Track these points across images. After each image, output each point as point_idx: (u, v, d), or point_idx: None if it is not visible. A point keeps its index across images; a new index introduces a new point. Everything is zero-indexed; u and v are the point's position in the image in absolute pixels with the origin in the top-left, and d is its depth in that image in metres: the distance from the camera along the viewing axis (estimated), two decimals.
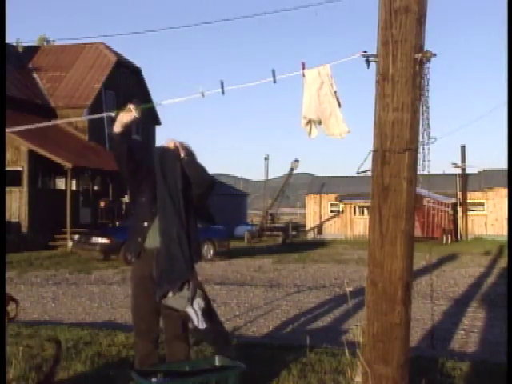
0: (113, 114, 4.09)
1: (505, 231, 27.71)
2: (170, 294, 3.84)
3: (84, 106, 26.82)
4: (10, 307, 3.81)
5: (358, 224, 31.60)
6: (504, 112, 4.27)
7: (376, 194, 3.27)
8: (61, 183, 24.38)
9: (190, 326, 3.88)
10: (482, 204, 31.60)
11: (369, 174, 3.40)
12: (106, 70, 28.53)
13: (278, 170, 52.05)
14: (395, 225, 3.21)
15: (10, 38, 28.22)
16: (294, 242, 28.55)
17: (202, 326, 3.82)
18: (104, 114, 4.32)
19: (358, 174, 3.48)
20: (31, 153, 21.75)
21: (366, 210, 30.49)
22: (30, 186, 21.99)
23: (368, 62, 3.35)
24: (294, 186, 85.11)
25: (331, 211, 33.71)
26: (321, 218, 33.81)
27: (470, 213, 31.34)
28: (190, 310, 3.82)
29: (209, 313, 3.89)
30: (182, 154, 3.92)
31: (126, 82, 30.02)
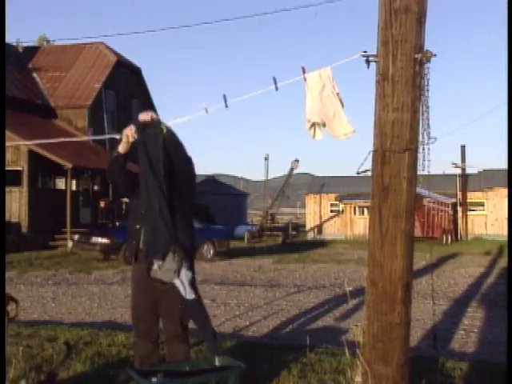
0: (118, 137, 4.11)
1: (505, 231, 27.71)
2: (156, 267, 3.82)
3: (84, 105, 26.84)
4: (10, 307, 3.81)
5: (358, 224, 31.61)
6: (504, 112, 4.28)
7: (376, 194, 3.27)
8: (61, 183, 24.38)
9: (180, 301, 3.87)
10: (482, 204, 31.61)
11: (369, 174, 3.40)
12: (106, 70, 28.54)
13: (278, 169, 52.12)
14: (395, 225, 3.21)
15: (10, 38, 28.26)
16: (294, 241, 28.55)
17: (189, 296, 3.82)
18: (106, 136, 4.33)
19: (358, 173, 3.48)
20: (31, 153, 21.76)
21: (365, 210, 30.50)
22: (30, 186, 22.00)
23: (368, 62, 3.35)
24: (294, 186, 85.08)
25: (331, 211, 33.72)
26: (321, 218, 33.83)
27: (469, 213, 31.35)
28: (177, 282, 3.82)
29: (196, 291, 3.86)
30: (164, 130, 3.88)
31: (125, 81, 30.02)
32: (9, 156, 21.30)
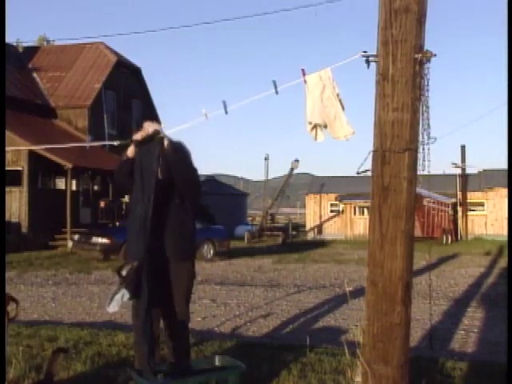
0: (115, 144, 4.11)
1: (505, 231, 27.71)
2: (124, 272, 3.84)
3: (84, 105, 26.84)
4: (10, 307, 3.81)
5: (358, 224, 31.61)
6: (504, 112, 4.28)
7: (376, 193, 3.27)
8: (61, 183, 24.39)
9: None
10: (482, 204, 31.61)
11: (369, 174, 3.40)
12: (106, 70, 28.54)
13: (278, 170, 52.04)
14: (395, 225, 3.21)
15: (10, 38, 28.26)
16: (294, 241, 28.55)
17: (109, 309, 3.86)
18: (106, 142, 4.33)
19: (358, 173, 3.48)
20: (31, 153, 21.74)
21: (366, 210, 30.50)
22: (30, 186, 21.99)
23: (368, 62, 3.35)
24: (294, 186, 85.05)
25: (331, 211, 33.73)
26: (321, 217, 33.83)
27: (469, 213, 31.35)
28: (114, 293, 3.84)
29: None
30: (166, 144, 3.88)
31: (125, 81, 30.02)
32: (9, 156, 21.30)
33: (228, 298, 10.43)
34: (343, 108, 3.69)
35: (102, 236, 17.52)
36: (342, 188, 32.89)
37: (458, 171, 31.49)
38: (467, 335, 7.36)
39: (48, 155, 21.46)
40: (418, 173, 3.29)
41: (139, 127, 3.94)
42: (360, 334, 3.48)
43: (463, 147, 31.81)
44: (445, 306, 9.49)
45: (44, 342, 5.98)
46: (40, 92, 27.64)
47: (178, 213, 4.04)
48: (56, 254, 19.69)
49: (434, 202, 27.60)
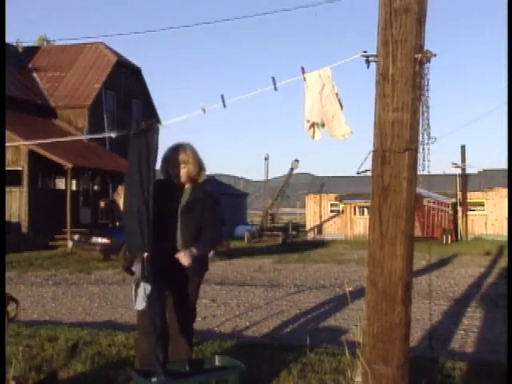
0: (113, 135, 4.09)
1: (505, 231, 27.71)
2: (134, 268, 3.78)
3: (84, 105, 26.85)
4: (10, 307, 3.81)
5: (358, 224, 31.61)
6: (504, 112, 4.27)
7: (376, 193, 3.27)
8: (61, 183, 24.39)
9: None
10: (482, 204, 31.60)
11: (369, 174, 3.39)
12: (106, 69, 28.54)
13: (278, 170, 51.96)
14: (395, 225, 3.21)
15: (10, 38, 28.27)
16: (294, 242, 28.55)
17: (137, 307, 3.76)
18: (105, 135, 4.34)
19: (358, 173, 3.48)
20: (31, 153, 21.76)
21: (366, 210, 30.50)
22: (30, 186, 22.00)
23: (368, 62, 3.34)
24: (294, 186, 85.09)
25: (331, 211, 33.72)
26: (321, 217, 33.82)
27: (470, 213, 31.34)
28: (134, 289, 3.79)
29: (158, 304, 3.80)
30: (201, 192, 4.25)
31: (125, 81, 30.03)
32: (9, 156, 21.31)
33: (228, 298, 10.43)
34: (342, 107, 3.69)
35: (102, 236, 17.53)
36: (342, 188, 32.88)
37: (458, 171, 31.49)
38: (467, 335, 7.36)
39: (48, 155, 21.47)
40: (418, 173, 3.29)
41: (139, 125, 3.91)
42: (360, 334, 3.48)
43: (463, 147, 31.81)
44: (445, 306, 9.49)
45: (44, 341, 5.98)
46: (40, 92, 27.65)
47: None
48: (56, 253, 19.69)
49: (434, 202, 27.60)
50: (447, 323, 8.04)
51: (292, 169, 30.81)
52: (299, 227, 37.82)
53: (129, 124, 4.01)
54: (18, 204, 21.56)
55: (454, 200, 30.69)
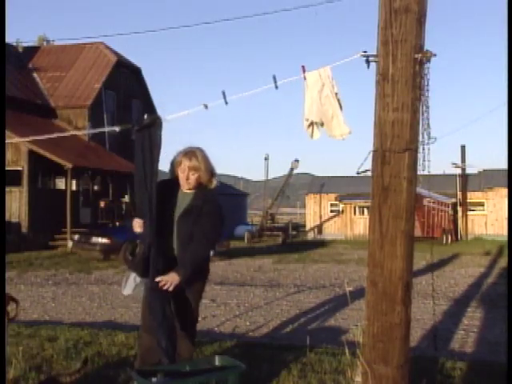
0: (117, 129, 4.14)
1: (505, 231, 27.71)
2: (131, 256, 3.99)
3: (84, 105, 26.85)
4: (10, 307, 3.82)
5: (358, 224, 31.60)
6: (504, 112, 4.28)
7: (376, 193, 3.27)
8: (61, 183, 24.39)
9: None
10: (482, 204, 31.59)
11: (369, 174, 3.39)
12: (106, 69, 28.54)
13: (278, 170, 51.93)
14: (395, 225, 3.21)
15: (10, 38, 28.30)
16: (294, 242, 28.55)
17: (124, 292, 4.03)
18: (105, 129, 4.36)
19: (358, 173, 3.48)
20: (31, 153, 21.76)
21: (366, 210, 30.50)
22: (29, 186, 22.00)
23: (368, 62, 3.34)
24: (294, 186, 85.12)
25: (331, 211, 33.71)
26: (321, 218, 33.81)
27: (470, 213, 31.34)
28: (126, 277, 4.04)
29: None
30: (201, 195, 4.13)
31: (125, 81, 30.02)
32: (9, 156, 21.31)
33: (228, 298, 10.43)
34: (341, 107, 3.69)
35: (102, 236, 17.53)
36: (342, 188, 32.87)
37: (458, 171, 31.48)
38: (467, 335, 7.36)
39: (48, 155, 21.46)
40: (418, 173, 3.29)
41: (140, 120, 3.95)
42: (360, 334, 3.48)
43: (463, 147, 31.80)
44: (445, 306, 9.49)
45: (44, 341, 5.97)
46: (40, 92, 27.65)
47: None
48: (56, 254, 19.69)
49: (434, 202, 27.59)
50: (447, 323, 8.04)
51: (292, 169, 30.80)
52: (299, 227, 37.81)
53: (129, 122, 4.03)
54: (17, 204, 21.56)
55: (453, 200, 30.68)
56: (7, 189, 19.96)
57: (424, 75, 3.24)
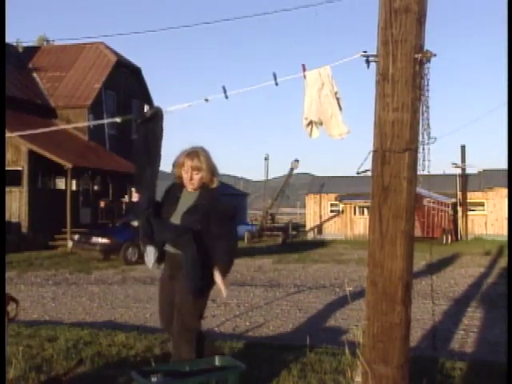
0: (118, 120, 4.24)
1: (505, 231, 27.70)
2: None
3: (84, 105, 26.84)
4: (10, 307, 3.81)
5: (358, 224, 31.60)
6: (504, 112, 4.28)
7: (376, 193, 3.27)
8: (61, 183, 24.39)
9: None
10: (482, 204, 31.59)
11: (369, 174, 3.39)
12: (106, 69, 28.54)
13: (278, 169, 51.92)
14: (395, 225, 3.21)
15: (10, 38, 28.27)
16: (294, 242, 28.55)
17: (152, 267, 4.16)
18: (105, 121, 4.42)
19: (358, 173, 3.48)
20: (31, 153, 21.76)
21: (366, 210, 30.49)
22: (29, 186, 22.00)
23: (368, 62, 3.35)
24: (294, 186, 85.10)
25: (331, 211, 33.70)
26: (321, 217, 33.81)
27: (470, 213, 31.33)
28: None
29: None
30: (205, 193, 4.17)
31: (125, 81, 30.03)
32: (9, 156, 21.31)
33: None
34: (340, 107, 3.70)
35: (102, 236, 17.53)
36: (342, 188, 32.86)
37: (458, 171, 31.46)
38: (467, 335, 7.36)
39: (48, 155, 21.46)
40: (418, 173, 3.29)
41: (141, 111, 4.07)
42: (360, 334, 3.49)
43: (463, 147, 31.78)
44: (445, 306, 9.48)
45: (44, 341, 5.97)
46: (40, 92, 27.65)
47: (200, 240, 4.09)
48: (56, 254, 19.69)
49: (434, 202, 27.57)
50: (447, 323, 8.03)
51: (292, 169, 30.80)
52: (299, 227, 37.81)
53: (129, 124, 4.10)
54: (17, 204, 21.56)
55: (453, 200, 30.67)
56: (7, 189, 19.96)
57: (424, 75, 3.24)
